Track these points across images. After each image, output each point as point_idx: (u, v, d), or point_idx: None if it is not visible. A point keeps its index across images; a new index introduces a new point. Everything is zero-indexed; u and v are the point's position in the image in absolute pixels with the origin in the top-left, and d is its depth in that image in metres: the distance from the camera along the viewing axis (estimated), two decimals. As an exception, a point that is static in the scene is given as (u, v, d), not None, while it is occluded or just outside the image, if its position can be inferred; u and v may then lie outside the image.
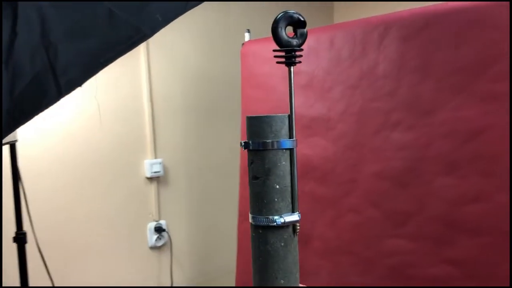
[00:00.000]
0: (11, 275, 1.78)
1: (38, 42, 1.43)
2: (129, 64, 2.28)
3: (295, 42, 0.84)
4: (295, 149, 0.85)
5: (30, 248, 1.79)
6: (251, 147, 0.85)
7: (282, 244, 0.85)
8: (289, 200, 0.86)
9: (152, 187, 2.40)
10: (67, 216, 2.14)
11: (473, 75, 1.42)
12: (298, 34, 0.84)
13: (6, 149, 1.79)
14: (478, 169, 1.42)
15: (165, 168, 2.43)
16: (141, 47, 2.27)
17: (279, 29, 0.83)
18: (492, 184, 1.39)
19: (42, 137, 2.06)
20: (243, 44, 2.10)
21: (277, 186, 0.85)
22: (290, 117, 0.85)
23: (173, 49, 2.46)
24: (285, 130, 0.85)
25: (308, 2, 2.96)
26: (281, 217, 0.84)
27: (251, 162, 0.86)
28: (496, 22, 1.36)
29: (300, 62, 0.85)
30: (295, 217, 0.86)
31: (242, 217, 2.10)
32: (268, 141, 0.84)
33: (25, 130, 1.90)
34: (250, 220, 0.88)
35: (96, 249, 2.22)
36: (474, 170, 1.43)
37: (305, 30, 0.84)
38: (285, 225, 0.85)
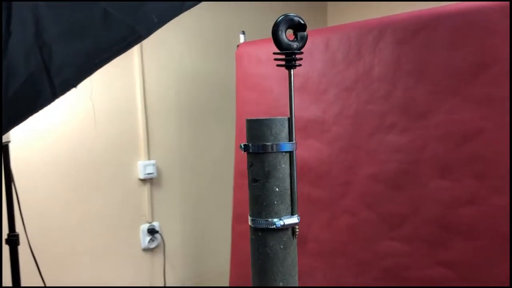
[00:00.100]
0: (3, 277, 1.76)
1: (32, 42, 1.41)
2: (123, 64, 2.27)
3: (295, 45, 0.84)
4: (294, 152, 0.85)
5: (22, 249, 1.77)
6: (251, 150, 0.86)
7: (282, 246, 0.86)
8: (289, 202, 0.86)
9: (145, 188, 2.39)
10: (60, 217, 2.12)
11: (467, 79, 1.43)
12: (299, 37, 0.85)
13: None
14: (472, 172, 1.43)
15: (158, 170, 2.42)
16: (135, 48, 2.26)
17: (280, 32, 0.83)
18: (486, 186, 1.41)
19: (35, 138, 2.04)
20: (238, 45, 2.10)
21: (277, 189, 0.85)
22: (290, 120, 0.85)
23: (167, 50, 2.45)
24: (284, 133, 0.85)
25: (301, 3, 2.97)
26: (280, 219, 0.85)
27: (250, 165, 0.86)
28: (490, 26, 1.38)
29: (300, 65, 0.85)
30: (294, 219, 0.86)
31: (236, 219, 2.09)
32: (268, 144, 0.84)
33: (18, 131, 1.88)
34: (250, 223, 0.88)
35: (89, 250, 2.21)
36: (468, 173, 1.44)
37: (305, 33, 0.84)
38: (284, 228, 0.85)
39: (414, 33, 1.54)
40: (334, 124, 1.75)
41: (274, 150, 0.84)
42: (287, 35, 0.85)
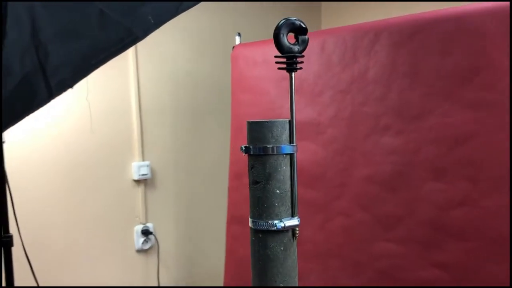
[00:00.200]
0: (-4, 279, 1.74)
1: (28, 42, 1.41)
2: (117, 65, 2.26)
3: (296, 48, 0.85)
4: (295, 154, 0.86)
5: (15, 250, 1.76)
6: (252, 152, 0.86)
7: (282, 248, 0.86)
8: (289, 204, 0.87)
9: (140, 189, 2.38)
10: (54, 218, 2.11)
11: (461, 82, 1.45)
12: (300, 41, 0.85)
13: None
14: (465, 174, 1.45)
15: (152, 171, 2.42)
16: (130, 48, 2.26)
17: (281, 36, 0.84)
18: (478, 189, 1.43)
19: (29, 138, 2.03)
20: (233, 47, 2.11)
21: (278, 191, 0.85)
22: (290, 122, 0.86)
23: (162, 50, 2.45)
24: (285, 135, 0.86)
25: (295, 3, 2.98)
26: (281, 221, 0.85)
27: (251, 167, 0.87)
28: (484, 31, 1.40)
29: (301, 68, 0.86)
30: (295, 221, 0.87)
31: (231, 220, 2.10)
32: (269, 146, 0.85)
33: (11, 131, 1.87)
34: (250, 224, 0.88)
35: (83, 251, 2.20)
36: (461, 175, 1.46)
37: (306, 36, 0.85)
38: (285, 230, 0.86)
39: (409, 36, 1.55)
40: (329, 126, 1.76)
41: (275, 152, 0.85)
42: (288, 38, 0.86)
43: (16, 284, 1.76)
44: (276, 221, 0.85)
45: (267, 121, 0.85)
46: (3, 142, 1.76)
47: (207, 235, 2.62)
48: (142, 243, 2.37)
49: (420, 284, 1.53)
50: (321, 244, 1.77)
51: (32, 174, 2.05)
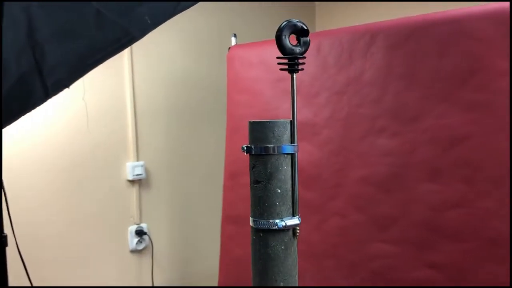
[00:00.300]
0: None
1: (25, 41, 1.41)
2: (112, 64, 2.26)
3: (298, 50, 0.86)
4: (296, 154, 0.87)
5: (9, 250, 1.75)
6: (253, 152, 0.87)
7: (283, 247, 0.87)
8: (290, 204, 0.88)
9: (134, 190, 2.38)
10: (48, 217, 2.10)
11: (456, 84, 1.47)
12: (301, 42, 0.86)
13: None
14: (460, 176, 1.47)
15: (147, 171, 2.41)
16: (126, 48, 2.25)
17: (283, 37, 0.85)
18: (473, 190, 1.45)
19: (24, 137, 2.02)
20: (229, 48, 2.11)
21: (279, 190, 0.86)
22: (292, 122, 0.87)
23: (157, 50, 2.45)
24: (287, 135, 0.87)
25: (289, 3, 2.99)
26: (282, 220, 0.86)
27: (253, 166, 0.88)
28: (479, 34, 1.42)
29: (302, 69, 0.87)
30: (295, 220, 0.88)
31: (225, 220, 2.10)
32: (270, 146, 0.86)
33: (7, 130, 1.86)
34: (251, 224, 0.89)
35: (76, 252, 2.19)
36: (456, 177, 1.48)
37: (308, 38, 0.86)
38: (285, 229, 0.87)
39: (405, 38, 1.57)
40: (325, 127, 1.77)
41: (276, 152, 0.86)
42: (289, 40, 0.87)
43: (10, 284, 1.75)
44: (277, 220, 0.86)
45: (269, 121, 0.86)
46: (-2, 141, 1.75)
47: (202, 235, 2.62)
48: (136, 243, 2.37)
49: (415, 284, 1.54)
50: (317, 245, 1.78)
51: (26, 173, 2.04)
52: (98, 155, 2.24)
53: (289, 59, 0.86)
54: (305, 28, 0.86)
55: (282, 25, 0.85)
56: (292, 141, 0.87)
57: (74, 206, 2.18)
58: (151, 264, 2.43)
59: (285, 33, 0.85)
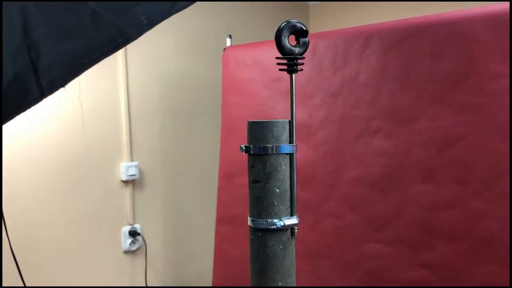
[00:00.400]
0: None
1: (20, 41, 1.40)
2: (107, 64, 2.25)
3: (297, 50, 0.87)
4: (295, 154, 0.88)
5: (3, 250, 1.73)
6: (252, 152, 0.87)
7: (281, 246, 0.87)
8: (288, 203, 0.88)
9: (128, 190, 2.37)
10: (41, 217, 2.09)
11: (451, 86, 1.49)
12: (301, 43, 0.87)
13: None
14: (454, 177, 1.48)
15: (141, 172, 2.40)
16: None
17: (282, 38, 0.86)
18: (467, 191, 1.46)
19: (18, 137, 2.01)
20: (224, 49, 2.11)
21: (277, 190, 0.87)
22: (291, 122, 0.88)
23: (152, 50, 2.44)
24: (285, 135, 0.87)
25: (283, 2, 3.00)
26: (280, 220, 0.87)
27: (251, 166, 0.88)
28: (474, 36, 1.44)
29: (301, 70, 0.88)
30: (294, 220, 0.88)
31: (220, 221, 2.10)
32: (269, 145, 0.86)
33: (4, 128, 1.85)
34: (250, 223, 0.89)
35: (70, 252, 2.18)
36: (450, 177, 1.49)
37: (307, 39, 0.87)
38: (284, 228, 0.87)
39: (400, 41, 1.58)
40: (320, 128, 1.78)
41: (275, 152, 0.86)
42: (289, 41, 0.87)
43: (4, 284, 1.73)
44: (275, 220, 0.86)
45: (268, 121, 0.86)
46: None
47: (196, 236, 2.62)
48: (130, 244, 2.36)
49: (410, 284, 1.55)
50: (311, 245, 1.78)
51: (20, 172, 2.03)
52: (93, 155, 2.24)
53: (288, 59, 0.87)
54: (305, 28, 0.86)
55: (282, 26, 0.86)
56: (290, 141, 0.87)
57: (69, 206, 2.17)
58: (144, 265, 2.43)
59: (285, 33, 0.86)
